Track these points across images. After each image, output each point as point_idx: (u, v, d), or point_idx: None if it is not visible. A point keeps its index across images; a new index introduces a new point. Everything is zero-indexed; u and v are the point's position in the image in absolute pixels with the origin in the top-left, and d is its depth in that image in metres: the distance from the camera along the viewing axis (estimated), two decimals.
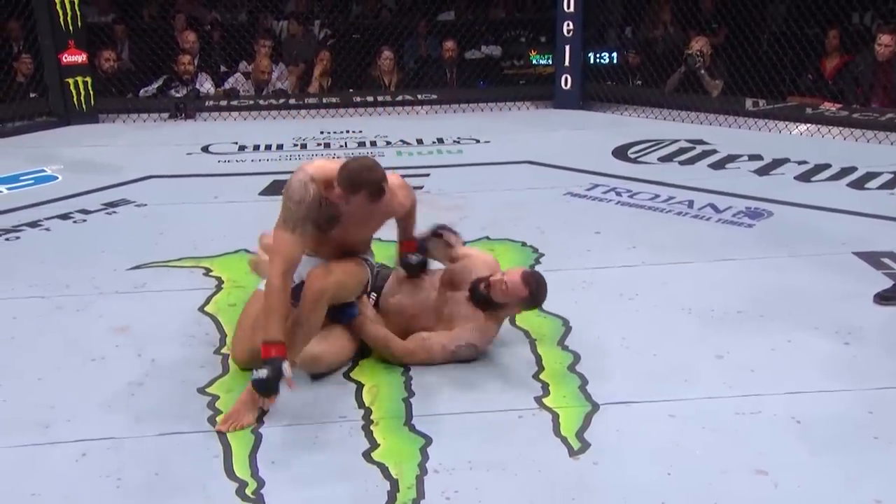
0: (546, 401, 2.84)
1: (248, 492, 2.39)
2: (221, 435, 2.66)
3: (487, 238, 4.38)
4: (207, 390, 2.95)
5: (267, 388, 2.67)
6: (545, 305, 3.55)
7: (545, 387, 2.93)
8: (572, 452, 2.56)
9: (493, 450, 2.58)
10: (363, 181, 2.73)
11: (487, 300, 3.06)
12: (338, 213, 2.82)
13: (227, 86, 8.38)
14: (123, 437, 2.66)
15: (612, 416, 2.75)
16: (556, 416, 2.75)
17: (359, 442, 2.63)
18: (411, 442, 2.63)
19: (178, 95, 8.04)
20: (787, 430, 2.66)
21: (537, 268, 4.00)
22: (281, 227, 2.74)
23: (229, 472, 2.49)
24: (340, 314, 2.99)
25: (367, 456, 2.55)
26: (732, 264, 4.03)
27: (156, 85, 8.17)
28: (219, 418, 2.74)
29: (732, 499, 2.33)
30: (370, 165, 2.79)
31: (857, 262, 4.00)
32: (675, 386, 2.93)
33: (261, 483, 2.43)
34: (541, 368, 3.07)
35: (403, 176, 5.80)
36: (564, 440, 2.62)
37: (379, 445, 2.61)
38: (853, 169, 5.63)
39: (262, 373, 2.65)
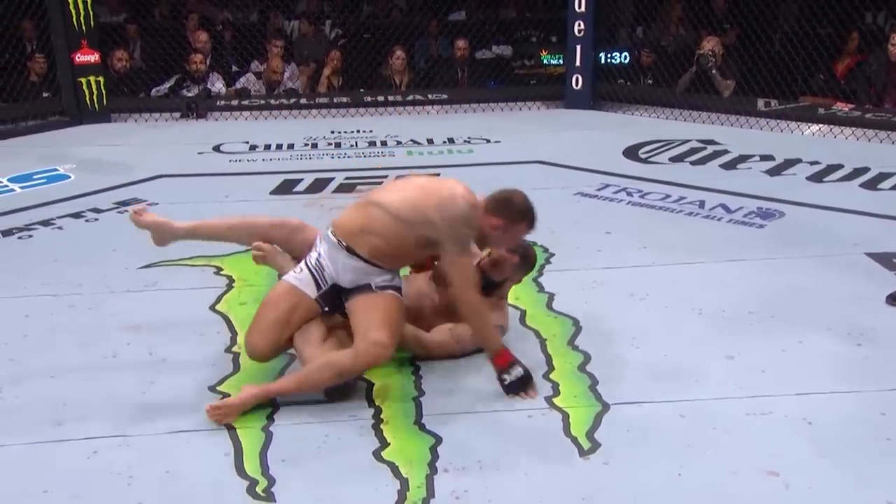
0: (556, 401, 2.83)
1: (258, 490, 2.40)
2: (232, 432, 2.67)
3: None
4: (218, 388, 2.96)
5: (528, 383, 2.83)
6: (556, 305, 3.56)
7: (555, 387, 2.93)
8: (582, 452, 2.55)
9: (503, 449, 2.58)
10: (528, 211, 2.85)
11: (488, 282, 3.09)
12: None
13: (238, 85, 8.40)
14: (134, 435, 2.67)
15: (622, 417, 2.74)
16: (566, 416, 2.74)
17: (368, 441, 2.63)
18: (421, 441, 2.63)
19: (189, 95, 8.07)
20: (798, 431, 2.65)
21: (548, 268, 4.00)
22: (462, 254, 2.78)
23: (240, 470, 2.49)
24: None
25: (376, 455, 2.56)
26: (743, 265, 4.02)
27: (168, 85, 8.20)
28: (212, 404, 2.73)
29: (743, 500, 2.33)
30: (527, 196, 2.89)
31: (870, 262, 3.98)
32: (686, 386, 2.92)
33: (271, 481, 2.43)
34: (551, 368, 3.07)
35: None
36: (574, 440, 2.62)
37: (389, 444, 2.61)
38: (866, 169, 5.60)
39: (516, 373, 2.79)
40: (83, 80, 7.56)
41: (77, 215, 4.95)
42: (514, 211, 2.86)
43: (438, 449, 2.58)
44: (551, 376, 3.01)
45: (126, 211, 5.01)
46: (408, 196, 2.88)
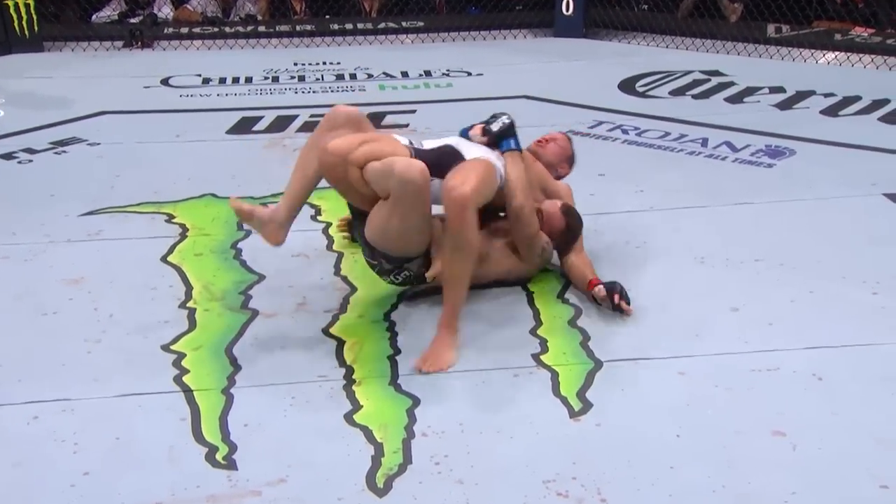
0: (544, 358, 2.86)
1: (218, 457, 2.41)
2: (188, 395, 2.67)
3: None
4: (172, 348, 2.96)
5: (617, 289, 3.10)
6: None
7: (543, 343, 2.95)
8: (573, 413, 2.58)
9: (486, 411, 2.60)
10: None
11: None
12: None
13: (190, 7, 8.24)
14: (79, 399, 2.67)
15: (616, 375, 2.77)
16: (555, 375, 2.77)
17: (340, 403, 2.65)
18: (397, 403, 2.65)
19: (133, 21, 7.93)
20: (807, 387, 2.69)
21: None
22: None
23: (198, 435, 2.50)
24: (504, 142, 3.09)
25: (348, 418, 2.57)
26: (750, 208, 4.04)
27: (108, 13, 8.04)
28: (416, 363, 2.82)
29: (747, 461, 2.36)
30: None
31: (889, 204, 4.01)
32: (686, 341, 2.95)
33: (232, 448, 2.45)
34: (538, 323, 3.09)
35: (386, 113, 5.77)
36: (564, 400, 2.64)
37: (362, 407, 2.63)
38: (885, 101, 5.63)
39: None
40: (10, 3, 7.38)
41: (8, 156, 4.88)
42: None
43: (416, 411, 2.60)
44: (539, 332, 3.03)
45: (65, 151, 4.97)
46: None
